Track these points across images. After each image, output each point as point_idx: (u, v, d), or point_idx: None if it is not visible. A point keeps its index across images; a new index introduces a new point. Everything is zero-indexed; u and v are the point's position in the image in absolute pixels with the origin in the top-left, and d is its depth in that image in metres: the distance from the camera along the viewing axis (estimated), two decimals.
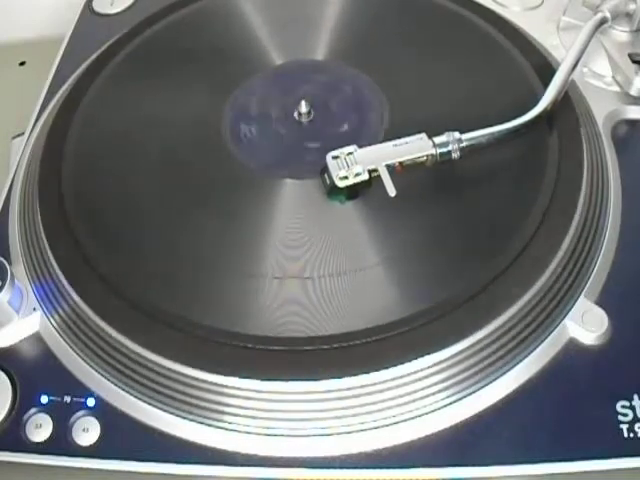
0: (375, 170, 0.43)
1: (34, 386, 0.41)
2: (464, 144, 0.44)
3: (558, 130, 0.47)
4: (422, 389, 0.38)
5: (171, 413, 0.39)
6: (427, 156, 0.44)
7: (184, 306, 0.41)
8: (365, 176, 0.43)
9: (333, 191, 0.45)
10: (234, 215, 0.46)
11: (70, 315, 0.42)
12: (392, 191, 0.42)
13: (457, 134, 0.44)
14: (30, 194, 0.48)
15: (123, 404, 0.40)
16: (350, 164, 0.44)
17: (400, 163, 0.44)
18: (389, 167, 0.43)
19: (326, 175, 0.44)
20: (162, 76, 0.54)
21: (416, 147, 0.44)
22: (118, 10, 0.63)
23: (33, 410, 0.40)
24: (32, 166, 0.50)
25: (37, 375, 0.41)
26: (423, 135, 0.44)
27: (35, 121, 0.54)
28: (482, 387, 0.39)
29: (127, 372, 0.40)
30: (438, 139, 0.44)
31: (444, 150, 0.44)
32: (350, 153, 0.44)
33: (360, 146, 0.44)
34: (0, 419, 0.40)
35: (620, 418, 0.38)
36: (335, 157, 0.44)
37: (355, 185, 0.44)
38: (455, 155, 0.44)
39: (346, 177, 0.44)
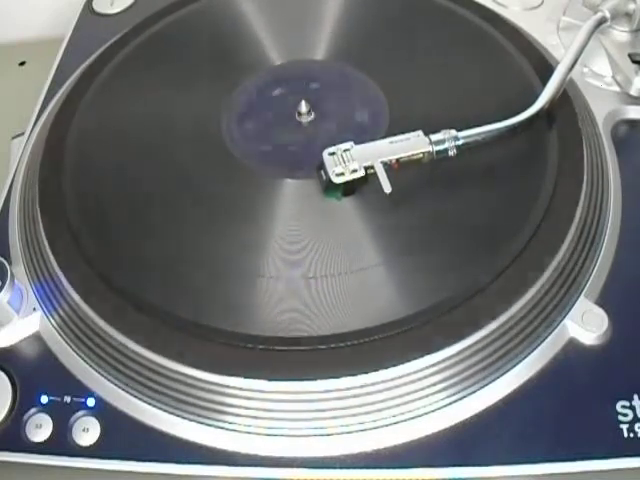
0: (371, 167, 0.43)
1: (34, 386, 0.41)
2: (461, 142, 0.44)
3: (558, 130, 0.47)
4: (422, 389, 0.38)
5: (171, 413, 0.39)
6: (423, 153, 0.44)
7: (184, 306, 0.41)
8: (361, 173, 0.43)
9: (329, 187, 0.44)
10: (234, 215, 0.46)
11: (70, 315, 0.42)
12: (387, 188, 0.42)
13: (454, 132, 0.44)
14: (30, 194, 0.48)
15: (123, 404, 0.40)
16: (346, 160, 0.44)
17: (396, 160, 0.44)
18: (385, 164, 0.43)
19: (322, 171, 0.44)
20: (162, 76, 0.54)
21: (412, 144, 0.44)
22: (118, 10, 0.63)
23: (33, 410, 0.40)
24: (32, 166, 0.50)
25: (37, 375, 0.41)
26: (420, 132, 0.44)
27: (35, 121, 0.55)
28: (482, 387, 0.39)
29: (127, 372, 0.40)
30: (434, 136, 0.44)
31: (440, 148, 0.44)
32: (346, 149, 0.44)
33: (357, 143, 0.44)
34: (0, 419, 0.40)
35: (620, 418, 0.38)
36: (331, 153, 0.44)
37: (351, 182, 0.44)
38: (452, 153, 0.44)
39: (342, 173, 0.43)
